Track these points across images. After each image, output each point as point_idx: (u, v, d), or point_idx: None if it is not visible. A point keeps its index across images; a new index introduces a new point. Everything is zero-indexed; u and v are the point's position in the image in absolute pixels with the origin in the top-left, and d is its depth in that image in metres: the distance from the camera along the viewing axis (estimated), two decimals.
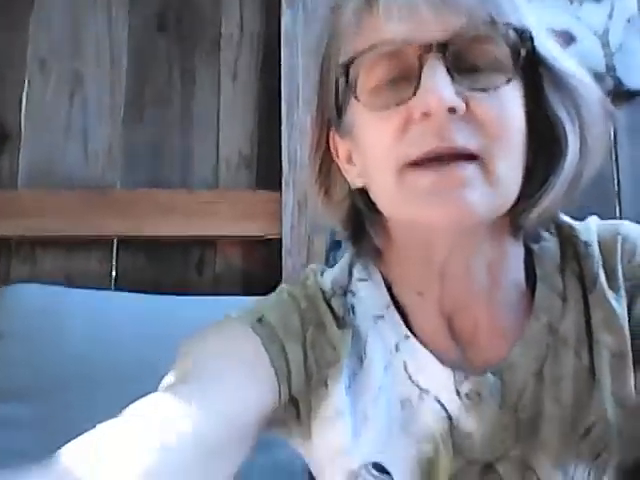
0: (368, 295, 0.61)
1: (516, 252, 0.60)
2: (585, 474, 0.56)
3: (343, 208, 0.62)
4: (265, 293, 1.40)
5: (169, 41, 1.55)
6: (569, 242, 0.61)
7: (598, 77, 1.51)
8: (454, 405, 0.57)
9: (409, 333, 0.59)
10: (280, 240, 1.39)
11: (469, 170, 0.50)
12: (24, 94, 1.50)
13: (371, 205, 0.59)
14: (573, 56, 1.43)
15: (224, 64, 1.55)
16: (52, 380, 1.17)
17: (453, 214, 0.50)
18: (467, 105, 0.50)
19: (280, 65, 1.47)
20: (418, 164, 0.51)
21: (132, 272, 1.44)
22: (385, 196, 0.55)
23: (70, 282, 1.39)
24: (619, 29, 1.53)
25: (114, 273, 1.44)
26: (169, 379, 0.54)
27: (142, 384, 1.14)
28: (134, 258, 1.45)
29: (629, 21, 1.53)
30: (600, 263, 0.59)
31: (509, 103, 0.52)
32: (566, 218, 0.63)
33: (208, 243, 1.46)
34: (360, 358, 0.59)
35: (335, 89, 0.57)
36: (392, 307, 0.60)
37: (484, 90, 0.51)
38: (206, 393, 0.51)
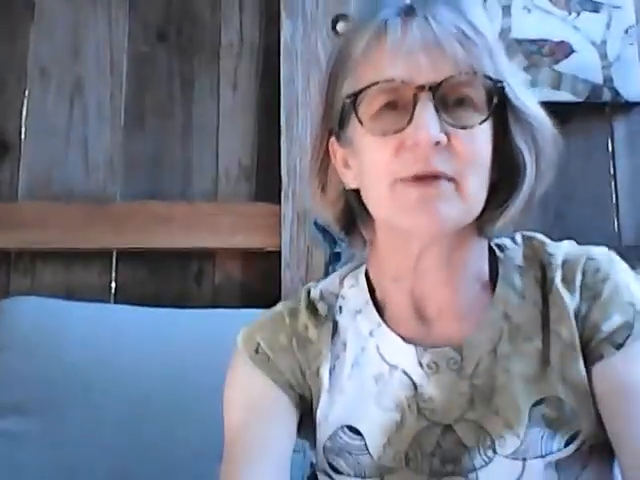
0: (352, 297, 0.77)
1: (480, 253, 0.74)
2: (538, 437, 0.66)
3: (337, 205, 0.75)
4: (264, 306, 1.40)
5: (169, 51, 1.56)
6: (535, 253, 0.75)
7: (596, 88, 1.53)
8: (417, 374, 0.70)
9: (381, 321, 0.73)
10: (279, 253, 1.40)
11: (445, 188, 0.64)
12: (24, 104, 1.50)
13: (362, 204, 0.72)
14: (572, 67, 1.42)
15: (224, 74, 1.55)
16: (51, 394, 1.17)
17: (431, 223, 0.65)
18: (448, 138, 0.64)
19: (280, 75, 1.48)
20: (407, 180, 0.65)
21: (131, 285, 1.44)
22: (378, 203, 0.69)
23: (70, 295, 1.39)
24: (617, 40, 1.53)
25: (114, 286, 1.44)
26: (229, 465, 0.72)
27: (142, 397, 1.15)
28: (134, 271, 1.45)
29: (627, 32, 1.53)
30: (559, 271, 0.71)
31: (481, 138, 0.66)
32: (540, 236, 0.77)
33: (207, 255, 1.46)
34: (344, 344, 0.74)
35: (340, 109, 0.70)
36: (370, 304, 0.75)
37: (463, 127, 0.64)
38: (263, 461, 0.70)
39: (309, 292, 0.78)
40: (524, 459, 0.66)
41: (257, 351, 0.75)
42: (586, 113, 1.50)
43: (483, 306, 0.72)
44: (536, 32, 1.54)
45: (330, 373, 0.73)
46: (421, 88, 0.63)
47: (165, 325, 1.25)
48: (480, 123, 0.65)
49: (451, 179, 0.64)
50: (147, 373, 1.17)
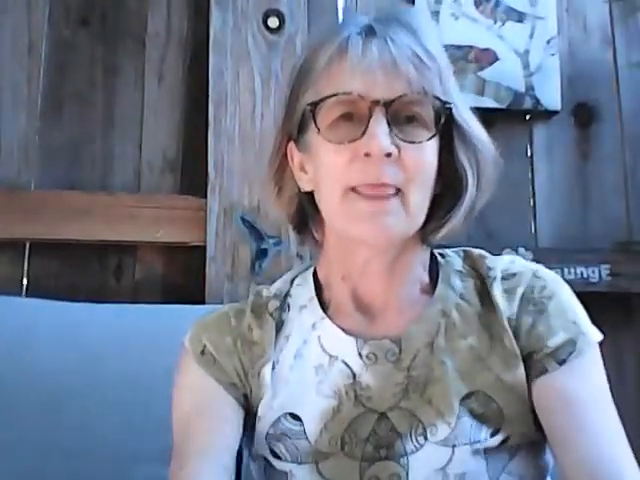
0: (299, 294, 0.81)
1: (422, 259, 0.80)
2: (467, 426, 0.70)
3: (291, 206, 0.80)
4: (186, 301, 1.37)
5: (92, 37, 1.50)
6: (475, 264, 0.80)
7: (518, 96, 1.58)
8: (357, 365, 0.75)
9: (324, 315, 0.78)
10: (204, 247, 1.36)
11: (393, 204, 0.70)
12: None
13: (314, 207, 0.78)
14: (496, 74, 1.48)
15: (149, 63, 1.50)
16: None
17: (378, 235, 0.71)
18: (398, 152, 0.69)
19: (208, 67, 1.45)
20: (358, 191, 0.70)
21: (45, 278, 1.38)
22: (331, 210, 0.74)
23: None
24: (539, 50, 1.59)
25: (25, 278, 1.37)
26: (177, 435, 0.76)
27: (56, 395, 1.09)
28: (47, 263, 1.38)
29: (549, 42, 1.59)
30: (498, 283, 0.77)
31: (428, 153, 0.72)
32: (479, 250, 0.82)
33: (127, 249, 1.41)
34: (287, 338, 0.78)
35: (301, 116, 0.75)
36: (315, 299, 0.80)
37: (412, 142, 0.70)
38: (209, 454, 0.73)
39: (259, 293, 0.83)
40: (453, 445, 0.69)
41: (203, 352, 0.78)
42: (507, 119, 1.55)
43: (422, 303, 0.77)
44: (462, 39, 1.57)
45: (273, 367, 0.76)
46: (376, 103, 0.69)
47: (81, 320, 1.20)
48: (428, 139, 0.71)
49: (398, 190, 0.70)
50: (61, 370, 1.12)
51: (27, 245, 1.38)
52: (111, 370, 1.12)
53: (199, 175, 1.41)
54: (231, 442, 0.74)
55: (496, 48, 1.58)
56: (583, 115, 1.60)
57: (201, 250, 1.37)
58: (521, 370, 0.72)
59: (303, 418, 0.73)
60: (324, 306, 0.79)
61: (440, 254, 0.82)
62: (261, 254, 1.36)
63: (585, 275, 1.45)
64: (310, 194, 0.77)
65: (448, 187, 0.76)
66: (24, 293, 1.37)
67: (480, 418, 0.70)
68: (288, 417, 0.74)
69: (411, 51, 0.70)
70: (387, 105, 0.69)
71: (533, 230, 1.54)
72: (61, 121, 1.46)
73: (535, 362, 0.72)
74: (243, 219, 1.37)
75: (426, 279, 0.79)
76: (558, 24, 1.61)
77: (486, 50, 1.58)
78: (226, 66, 1.45)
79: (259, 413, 0.76)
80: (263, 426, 0.75)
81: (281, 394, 0.75)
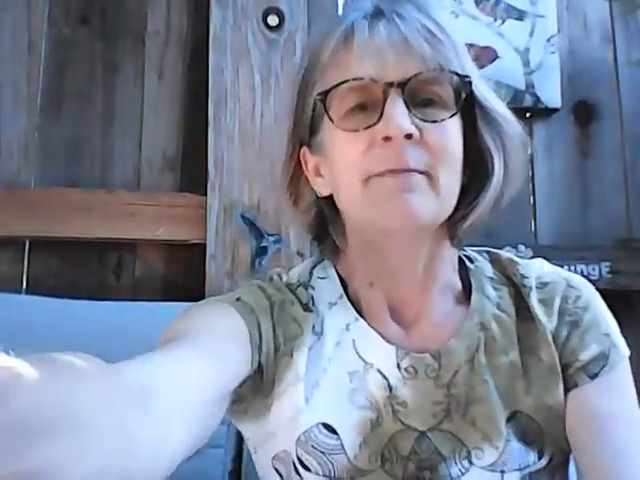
0: (324, 288, 0.73)
1: (451, 259, 0.74)
2: (516, 449, 0.65)
3: (309, 214, 0.75)
4: (187, 299, 1.37)
5: (92, 35, 1.50)
6: (506, 270, 0.75)
7: (518, 94, 1.58)
8: (394, 377, 0.68)
9: (358, 316, 0.71)
10: (204, 245, 1.36)
11: (418, 178, 0.63)
12: None
13: (333, 211, 0.72)
14: (496, 72, 1.47)
15: (149, 61, 1.50)
16: None
17: (405, 216, 0.63)
18: (420, 133, 0.63)
19: (208, 65, 1.44)
20: (379, 175, 0.64)
21: (45, 275, 1.37)
22: (351, 201, 0.68)
23: None
24: (539, 48, 1.58)
25: (25, 276, 1.37)
26: (166, 339, 0.60)
27: None
28: (47, 261, 1.38)
29: (549, 40, 1.59)
30: (535, 292, 0.72)
31: (451, 133, 0.66)
32: (505, 253, 0.77)
33: (127, 246, 1.41)
34: (317, 335, 0.70)
35: (311, 112, 0.70)
36: (344, 297, 0.72)
37: (433, 122, 0.64)
38: (202, 348, 0.58)
39: (280, 277, 0.74)
40: (502, 471, 0.65)
41: (239, 300, 0.68)
42: None
43: (459, 315, 0.72)
44: (463, 37, 1.57)
45: (307, 361, 0.68)
46: (390, 85, 0.63)
47: (80, 317, 1.20)
48: (450, 117, 0.65)
49: (424, 173, 0.63)
50: None
51: (27, 243, 1.38)
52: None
53: (199, 173, 1.41)
54: (235, 362, 0.62)
55: (496, 46, 1.58)
56: (583, 113, 1.60)
57: (201, 248, 1.37)
58: (560, 388, 0.68)
59: (339, 431, 0.66)
60: (354, 306, 0.72)
61: (467, 257, 0.76)
62: (261, 252, 1.36)
63: (585, 273, 1.45)
64: (328, 199, 0.72)
65: (474, 173, 0.69)
66: (24, 291, 1.36)
67: (525, 440, 0.66)
68: (322, 428, 0.66)
69: (422, 26, 0.64)
70: (402, 86, 0.63)
71: (533, 228, 1.54)
72: (61, 119, 1.46)
73: (568, 376, 0.69)
74: (243, 217, 1.37)
75: (459, 285, 0.74)
76: (558, 22, 1.61)
77: (486, 48, 1.57)
78: (226, 64, 1.44)
79: (285, 409, 0.67)
80: (292, 429, 0.67)
81: (314, 399, 0.67)
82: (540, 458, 0.66)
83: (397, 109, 0.62)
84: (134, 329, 1.17)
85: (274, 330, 0.68)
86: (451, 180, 0.65)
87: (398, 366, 0.68)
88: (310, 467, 0.66)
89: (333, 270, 0.75)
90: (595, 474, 0.66)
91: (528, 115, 1.58)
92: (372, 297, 0.72)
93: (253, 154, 1.41)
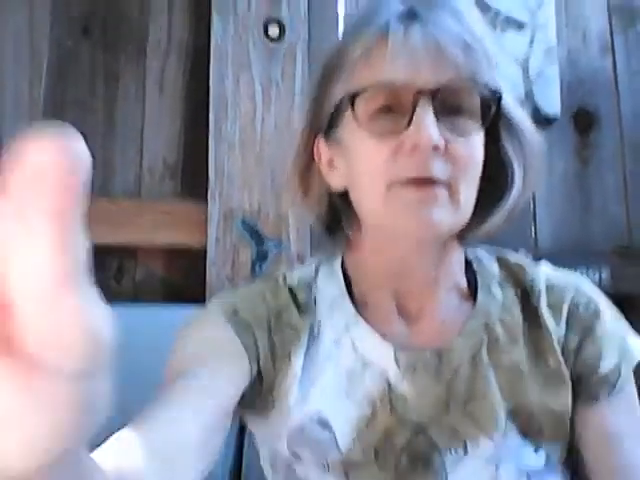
0: (327, 286, 0.74)
1: (459, 260, 0.74)
2: (513, 444, 0.66)
3: (321, 205, 0.74)
4: (187, 305, 1.36)
5: (93, 46, 1.51)
6: (513, 272, 0.75)
7: (518, 103, 1.58)
8: (393, 373, 0.68)
9: (358, 315, 0.71)
10: (204, 251, 1.36)
11: (441, 194, 0.64)
12: None
13: (346, 204, 0.71)
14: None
15: (150, 72, 1.51)
16: None
17: (424, 227, 0.64)
18: (445, 144, 0.63)
19: (209, 76, 1.45)
20: (404, 183, 0.64)
21: None
22: (372, 206, 0.67)
23: None
24: (539, 58, 1.59)
25: None
26: (169, 377, 0.64)
27: None
28: None
29: (548, 51, 1.60)
30: (544, 297, 0.72)
31: (476, 146, 0.66)
32: (513, 255, 0.78)
33: (128, 252, 1.41)
34: (314, 335, 0.71)
35: (334, 107, 0.68)
36: (346, 297, 0.72)
37: (461, 135, 0.64)
38: (200, 380, 0.62)
39: (284, 278, 0.75)
40: (497, 464, 0.66)
41: (236, 313, 0.69)
42: None
43: (464, 313, 0.72)
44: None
45: (303, 361, 0.70)
46: (421, 92, 0.63)
47: None
48: (477, 130, 0.65)
49: (446, 185, 0.64)
50: None
51: None
52: (112, 371, 1.11)
53: (199, 180, 1.41)
54: (229, 394, 0.64)
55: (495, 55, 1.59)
56: (583, 122, 1.60)
57: (202, 253, 1.37)
58: (566, 393, 0.68)
59: (334, 426, 0.67)
60: (355, 305, 0.73)
61: (475, 257, 0.76)
62: (261, 257, 1.36)
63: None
64: (343, 192, 0.71)
65: (492, 181, 0.69)
66: None
67: (524, 437, 0.67)
68: (315, 423, 0.67)
69: (456, 34, 0.64)
70: (434, 93, 0.63)
71: (533, 234, 1.54)
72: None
73: (586, 387, 0.69)
74: (244, 223, 1.37)
75: (464, 284, 0.74)
76: (558, 32, 1.62)
77: None
78: (227, 74, 1.45)
79: (283, 408, 0.69)
80: (287, 423, 0.68)
81: (309, 396, 0.68)
82: (536, 453, 0.67)
83: (427, 118, 0.62)
84: (135, 334, 1.17)
85: (271, 338, 0.70)
86: (470, 192, 0.66)
87: (397, 363, 0.69)
88: (304, 458, 0.68)
89: (339, 267, 0.75)
90: None
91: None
92: (378, 293, 0.72)
93: (253, 162, 1.41)
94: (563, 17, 1.65)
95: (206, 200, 1.39)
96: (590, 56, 1.64)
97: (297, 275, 0.76)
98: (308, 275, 0.76)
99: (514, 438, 0.66)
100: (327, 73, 0.70)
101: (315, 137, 0.72)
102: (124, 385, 1.16)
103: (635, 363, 0.71)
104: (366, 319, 0.71)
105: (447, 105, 0.64)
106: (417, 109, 0.63)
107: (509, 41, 1.60)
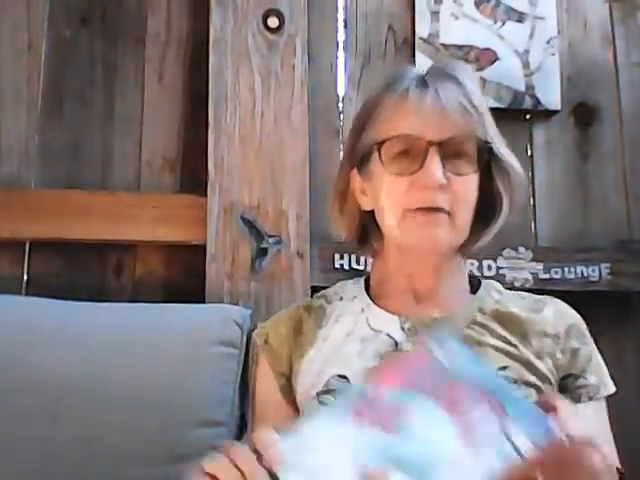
0: (352, 289, 1.00)
1: (459, 266, 0.98)
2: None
3: (353, 222, 0.99)
4: (187, 300, 1.37)
5: (92, 36, 1.50)
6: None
7: (518, 95, 1.58)
8: (399, 336, 0.91)
9: (371, 302, 0.96)
10: (204, 246, 1.36)
11: (442, 219, 0.87)
12: None
13: (373, 222, 0.96)
14: (496, 74, 1.57)
15: (149, 63, 1.50)
16: None
17: (429, 243, 0.89)
18: (448, 182, 0.86)
19: (208, 67, 1.44)
20: (415, 211, 0.87)
21: (45, 277, 1.37)
22: (391, 226, 0.91)
23: None
24: (539, 50, 1.59)
25: (25, 277, 1.37)
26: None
27: (58, 394, 1.09)
28: (48, 262, 1.38)
29: (549, 42, 1.59)
30: (550, 306, 0.96)
31: (472, 183, 0.90)
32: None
33: (127, 247, 1.41)
34: (337, 318, 0.96)
35: (366, 149, 0.92)
36: (364, 292, 0.98)
37: (459, 175, 0.88)
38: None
39: (319, 296, 1.02)
40: None
41: (266, 342, 0.98)
42: (508, 119, 1.53)
43: (464, 300, 0.95)
44: (463, 38, 1.57)
45: (320, 345, 0.93)
46: (431, 143, 0.86)
47: (81, 319, 1.19)
48: (473, 172, 0.89)
49: (447, 212, 0.87)
50: (62, 369, 1.11)
51: (27, 244, 1.38)
52: (112, 368, 1.11)
53: (199, 174, 1.41)
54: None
55: (496, 48, 1.58)
56: (583, 115, 1.60)
57: (201, 249, 1.36)
58: (551, 362, 0.89)
59: (350, 377, 0.88)
60: (370, 297, 0.97)
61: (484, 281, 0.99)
62: (261, 253, 1.36)
63: (585, 274, 1.45)
64: (369, 213, 0.95)
65: (485, 207, 0.92)
66: (24, 292, 1.36)
67: (515, 384, 0.84)
68: (336, 377, 0.89)
69: (457, 102, 0.87)
70: (440, 144, 0.86)
71: (533, 229, 1.54)
72: (61, 120, 1.46)
73: (571, 385, 0.90)
74: (243, 218, 1.37)
75: (467, 287, 0.97)
76: (558, 24, 1.61)
77: (486, 50, 1.58)
78: (226, 65, 1.44)
79: (308, 379, 0.91)
80: (314, 387, 0.90)
81: (331, 362, 0.91)
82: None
83: (434, 163, 0.85)
84: (134, 330, 1.17)
85: (289, 347, 0.95)
86: (466, 217, 0.89)
87: (402, 328, 0.91)
88: (328, 403, 0.87)
89: (363, 279, 1.01)
90: None
91: (528, 117, 1.59)
92: (395, 285, 0.95)
93: (253, 155, 1.41)
94: (564, 7, 1.64)
95: (205, 194, 1.38)
96: (591, 48, 1.63)
97: (328, 290, 1.02)
98: (339, 288, 1.01)
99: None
100: (361, 121, 0.94)
101: (351, 169, 0.96)
102: (126, 381, 1.15)
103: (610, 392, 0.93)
104: (378, 305, 0.95)
105: (450, 152, 0.87)
106: (427, 156, 0.86)
107: (509, 32, 1.59)
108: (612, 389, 0.93)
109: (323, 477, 0.57)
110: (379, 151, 0.89)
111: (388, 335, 0.91)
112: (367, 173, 0.94)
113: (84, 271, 1.39)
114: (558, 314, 0.94)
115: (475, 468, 0.58)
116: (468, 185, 0.88)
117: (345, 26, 1.57)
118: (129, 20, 1.51)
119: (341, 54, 1.56)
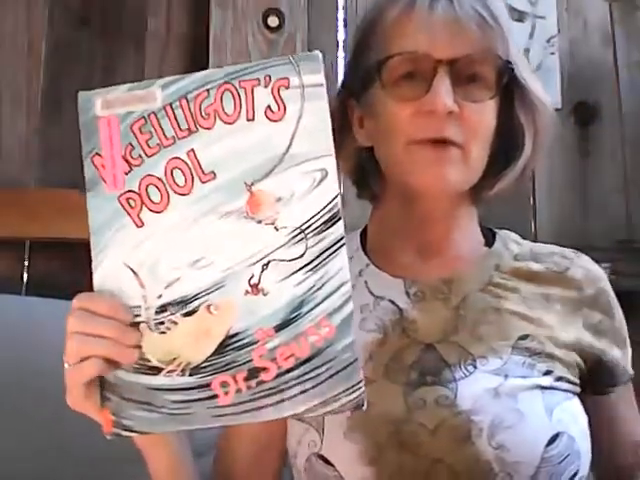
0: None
1: (473, 217, 0.83)
2: (520, 362, 0.71)
3: (350, 160, 0.83)
4: None
5: (91, 36, 1.50)
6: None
7: None
8: (403, 302, 0.77)
9: (370, 262, 0.81)
10: None
11: (454, 154, 0.72)
12: None
13: (373, 162, 0.80)
14: None
15: (149, 63, 1.51)
16: None
17: (438, 183, 0.73)
18: (460, 109, 0.71)
19: (208, 66, 1.45)
20: (421, 143, 0.72)
21: (45, 276, 1.37)
22: (392, 161, 0.76)
23: None
24: (539, 49, 1.59)
25: (25, 277, 1.37)
26: None
27: (61, 395, 1.09)
28: (48, 261, 1.38)
29: (549, 41, 1.59)
30: (577, 267, 0.82)
31: (488, 113, 0.74)
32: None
33: None
34: None
35: (365, 72, 0.76)
36: (360, 250, 0.83)
37: (474, 101, 0.72)
38: None
39: None
40: (506, 375, 0.70)
41: None
42: None
43: (478, 255, 0.80)
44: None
45: None
46: (440, 62, 0.71)
47: None
48: (490, 99, 0.73)
49: (458, 146, 0.72)
50: (62, 369, 1.11)
51: (27, 244, 1.38)
52: None
53: None
54: None
55: None
56: (583, 114, 1.60)
57: None
58: (575, 331, 0.76)
59: None
60: (369, 256, 0.82)
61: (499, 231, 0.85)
62: None
63: None
64: (369, 150, 0.80)
65: (504, 145, 0.77)
66: (24, 292, 1.36)
67: (532, 358, 0.72)
68: None
69: (475, 11, 0.72)
70: (451, 64, 0.71)
71: (533, 228, 1.54)
72: (61, 120, 1.46)
73: (596, 370, 0.77)
74: None
75: (481, 237, 0.82)
76: (558, 23, 1.61)
77: None
78: (226, 64, 1.44)
79: None
80: None
81: None
82: (545, 375, 0.71)
83: (444, 86, 0.70)
84: None
85: None
86: (481, 153, 0.74)
87: (407, 294, 0.77)
88: None
89: (357, 233, 0.86)
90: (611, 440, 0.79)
91: None
92: (398, 238, 0.81)
93: None
94: (564, 6, 1.64)
95: None
96: (591, 47, 1.63)
97: None
98: None
99: (521, 358, 0.72)
100: (361, 39, 0.79)
101: (349, 98, 0.81)
102: None
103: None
104: (379, 267, 0.80)
105: (463, 74, 0.72)
106: (435, 77, 0.71)
107: None
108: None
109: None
110: (379, 72, 0.74)
111: (390, 301, 0.77)
112: (366, 102, 0.78)
113: (84, 271, 1.39)
114: (586, 274, 0.82)
115: None
116: (484, 115, 0.73)
117: (345, 26, 1.58)
118: (129, 20, 1.52)
119: (341, 54, 1.56)
